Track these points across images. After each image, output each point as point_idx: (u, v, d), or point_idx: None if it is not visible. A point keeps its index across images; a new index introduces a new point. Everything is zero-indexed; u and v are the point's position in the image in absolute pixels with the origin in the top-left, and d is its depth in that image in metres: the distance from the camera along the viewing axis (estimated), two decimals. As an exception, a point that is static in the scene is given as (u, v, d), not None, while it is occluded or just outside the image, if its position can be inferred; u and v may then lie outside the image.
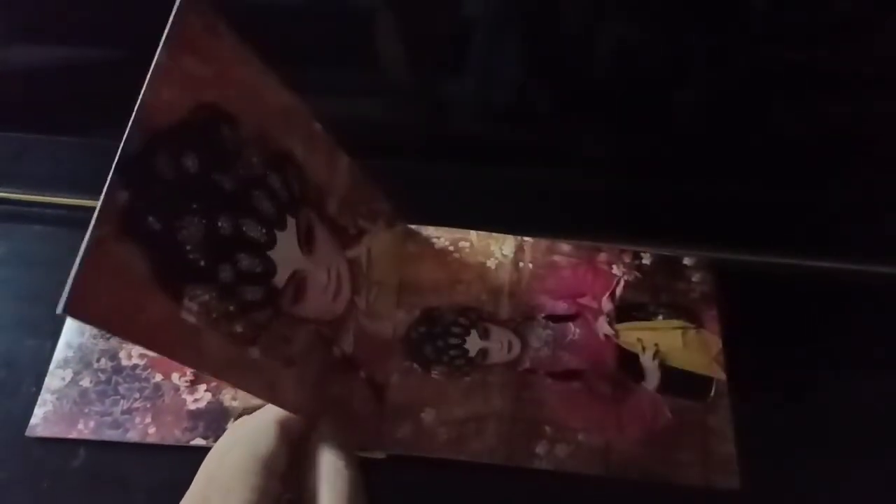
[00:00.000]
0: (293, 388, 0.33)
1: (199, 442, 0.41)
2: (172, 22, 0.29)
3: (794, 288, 0.48)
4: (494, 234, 0.49)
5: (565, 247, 0.49)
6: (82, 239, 0.38)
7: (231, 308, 0.30)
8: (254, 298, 0.32)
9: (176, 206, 0.28)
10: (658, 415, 0.44)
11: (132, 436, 0.42)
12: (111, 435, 0.42)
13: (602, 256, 0.49)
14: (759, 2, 0.43)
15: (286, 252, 0.34)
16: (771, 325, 0.46)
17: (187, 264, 0.29)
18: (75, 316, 0.24)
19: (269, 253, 0.33)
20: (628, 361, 0.46)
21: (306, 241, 0.36)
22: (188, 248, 0.29)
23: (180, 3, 0.29)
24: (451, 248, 0.48)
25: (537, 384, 0.44)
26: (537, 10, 0.45)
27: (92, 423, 0.42)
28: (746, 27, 0.44)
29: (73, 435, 0.41)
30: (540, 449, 0.42)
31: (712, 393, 0.44)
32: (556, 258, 0.49)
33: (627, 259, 0.49)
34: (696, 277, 0.49)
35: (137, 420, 0.42)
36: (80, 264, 0.25)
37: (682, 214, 0.52)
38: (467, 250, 0.48)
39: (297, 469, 0.32)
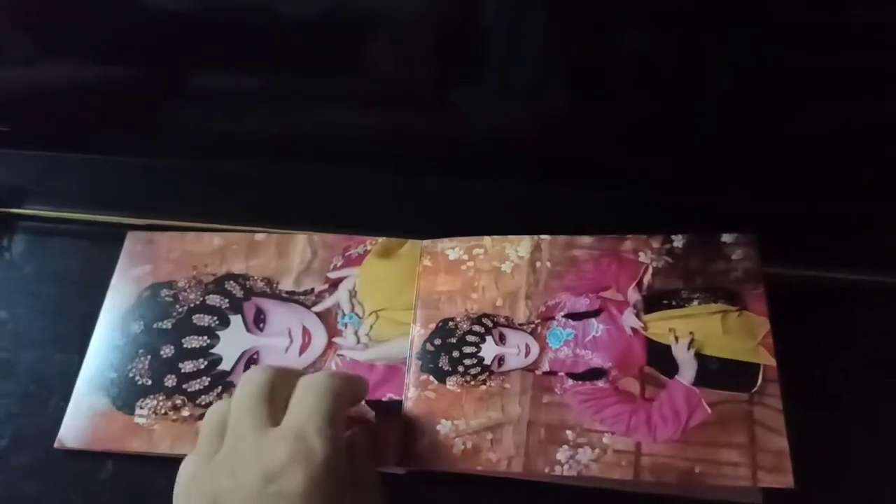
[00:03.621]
0: None
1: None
2: (121, 257, 0.47)
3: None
4: (509, 237, 0.47)
5: (586, 239, 0.46)
6: (110, 254, 0.49)
7: (178, 402, 0.42)
8: (200, 388, 0.42)
9: (126, 359, 0.43)
10: (695, 410, 0.39)
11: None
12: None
13: (627, 245, 0.46)
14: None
15: (232, 342, 0.43)
16: (827, 302, 0.40)
17: (136, 388, 0.42)
18: (68, 447, 0.41)
19: (211, 351, 0.43)
20: (659, 354, 0.42)
21: (255, 323, 0.44)
22: (136, 378, 0.42)
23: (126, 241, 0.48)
24: (466, 256, 0.47)
25: (557, 386, 0.42)
26: (553, 18, 0.43)
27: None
28: (781, 23, 0.39)
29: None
30: (561, 455, 0.39)
31: (759, 381, 0.39)
32: (576, 252, 0.46)
33: (656, 244, 0.45)
34: (737, 254, 0.44)
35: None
36: (67, 414, 0.42)
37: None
38: (481, 257, 0.47)
39: None
